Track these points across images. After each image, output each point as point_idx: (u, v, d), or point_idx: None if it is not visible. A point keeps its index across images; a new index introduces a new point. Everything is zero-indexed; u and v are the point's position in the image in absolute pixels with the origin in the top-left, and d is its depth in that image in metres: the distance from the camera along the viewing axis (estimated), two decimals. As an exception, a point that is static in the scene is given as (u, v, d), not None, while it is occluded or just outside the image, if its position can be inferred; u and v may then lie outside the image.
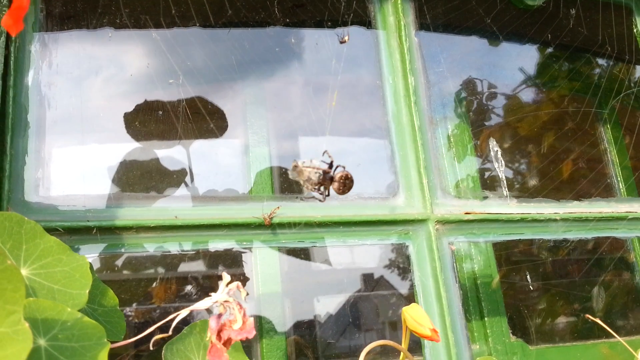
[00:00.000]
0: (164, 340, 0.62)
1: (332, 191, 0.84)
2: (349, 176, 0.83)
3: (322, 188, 0.83)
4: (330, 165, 0.82)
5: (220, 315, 0.48)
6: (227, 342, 0.47)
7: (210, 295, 0.48)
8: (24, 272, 0.61)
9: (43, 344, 0.53)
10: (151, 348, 0.54)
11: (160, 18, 0.99)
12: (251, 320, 0.47)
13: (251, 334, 0.46)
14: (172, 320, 0.52)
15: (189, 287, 1.51)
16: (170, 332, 0.54)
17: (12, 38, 0.86)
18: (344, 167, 0.84)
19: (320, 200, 0.85)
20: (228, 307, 0.48)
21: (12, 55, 0.86)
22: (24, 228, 0.62)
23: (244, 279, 1.17)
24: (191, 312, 0.54)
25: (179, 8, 0.98)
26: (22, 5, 0.35)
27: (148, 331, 0.53)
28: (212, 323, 0.48)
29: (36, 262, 0.61)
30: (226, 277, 0.48)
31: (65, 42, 0.97)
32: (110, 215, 0.85)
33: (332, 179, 0.82)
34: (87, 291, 0.62)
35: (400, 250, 1.67)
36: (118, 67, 1.14)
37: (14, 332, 0.44)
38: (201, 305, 0.49)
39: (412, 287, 0.99)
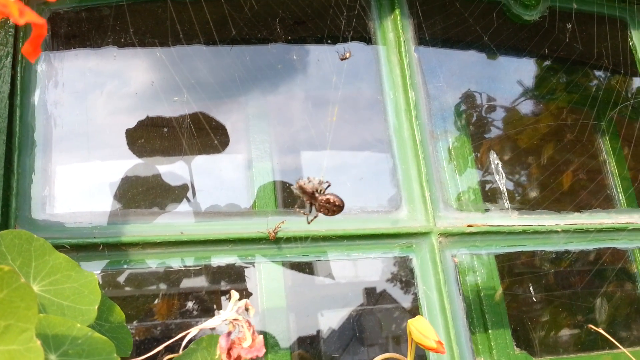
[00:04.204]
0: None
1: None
2: (331, 200, 0.81)
3: (310, 208, 0.83)
4: (315, 191, 0.81)
5: (229, 334, 0.48)
6: (236, 361, 0.47)
7: (219, 313, 0.49)
8: (34, 288, 0.61)
9: (54, 360, 0.54)
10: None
11: (164, 37, 1.00)
12: (260, 338, 0.47)
13: (261, 352, 0.46)
14: (177, 338, 0.53)
15: (191, 303, 1.50)
16: (180, 352, 0.55)
17: (18, 58, 0.87)
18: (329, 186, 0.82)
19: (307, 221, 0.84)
20: (237, 325, 0.48)
21: (18, 75, 0.87)
22: (33, 245, 0.63)
23: (248, 294, 1.17)
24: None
25: (183, 27, 1.00)
26: (41, 34, 0.36)
27: (157, 350, 0.54)
28: (222, 341, 0.48)
29: (46, 279, 0.62)
30: (235, 295, 0.49)
31: (70, 61, 0.99)
32: (117, 232, 0.86)
33: (316, 199, 0.81)
34: (96, 307, 0.63)
35: (403, 263, 1.67)
36: (123, 85, 1.16)
37: (26, 350, 0.45)
38: (210, 323, 0.49)
39: (415, 300, 1.00)
